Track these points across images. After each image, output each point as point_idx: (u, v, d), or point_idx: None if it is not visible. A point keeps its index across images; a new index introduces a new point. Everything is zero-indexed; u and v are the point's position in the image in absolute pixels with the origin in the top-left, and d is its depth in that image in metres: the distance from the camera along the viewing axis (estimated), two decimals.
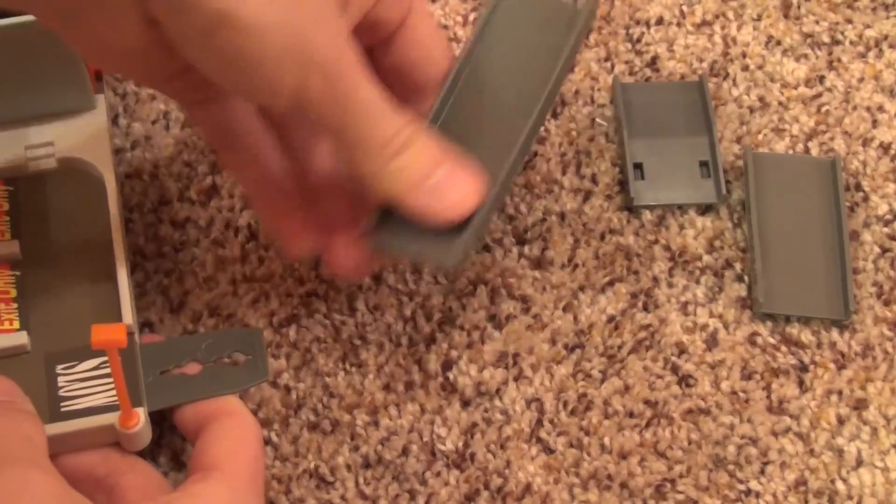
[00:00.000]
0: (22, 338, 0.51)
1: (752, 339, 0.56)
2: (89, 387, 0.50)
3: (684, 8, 0.63)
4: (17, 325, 0.52)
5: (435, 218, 0.49)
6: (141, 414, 0.49)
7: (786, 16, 0.63)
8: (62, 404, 0.49)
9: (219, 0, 0.43)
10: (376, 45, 0.52)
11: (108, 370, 0.48)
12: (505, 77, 0.52)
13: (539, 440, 0.54)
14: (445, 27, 0.63)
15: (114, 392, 0.49)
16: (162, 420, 0.52)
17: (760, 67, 0.62)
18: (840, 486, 0.53)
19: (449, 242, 0.49)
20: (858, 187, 0.59)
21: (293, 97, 0.46)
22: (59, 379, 0.50)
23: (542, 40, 0.52)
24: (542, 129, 0.60)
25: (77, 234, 0.54)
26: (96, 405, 0.49)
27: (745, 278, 0.57)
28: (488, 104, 0.52)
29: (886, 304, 0.57)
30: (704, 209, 0.59)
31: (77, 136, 0.55)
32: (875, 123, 0.61)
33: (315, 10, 0.45)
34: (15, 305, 0.52)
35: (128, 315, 0.51)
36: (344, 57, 0.46)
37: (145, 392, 0.50)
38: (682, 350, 0.56)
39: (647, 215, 0.59)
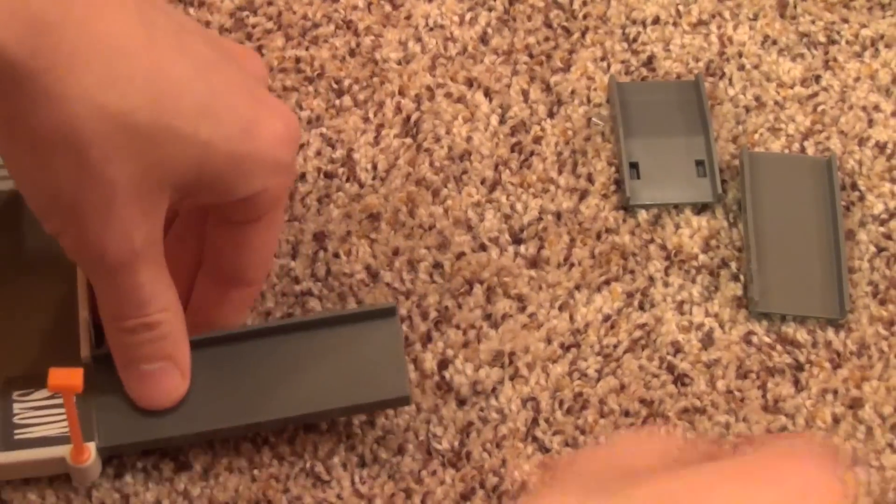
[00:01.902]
0: None
1: (747, 339, 0.56)
2: (44, 416, 0.50)
3: (680, 7, 0.64)
4: None
5: (134, 400, 0.50)
6: (92, 449, 0.49)
7: (782, 15, 0.63)
8: (16, 432, 0.49)
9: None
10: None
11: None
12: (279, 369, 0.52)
13: (535, 439, 0.54)
14: (442, 27, 0.63)
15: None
16: None
17: (756, 67, 0.62)
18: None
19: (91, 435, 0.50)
20: (854, 187, 0.59)
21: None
22: (15, 406, 0.50)
23: (353, 377, 0.51)
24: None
25: (40, 256, 0.53)
26: (50, 435, 0.49)
27: (741, 277, 0.57)
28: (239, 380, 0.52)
29: (882, 303, 0.57)
30: (700, 208, 0.59)
31: None
32: (871, 123, 0.61)
33: (106, 201, 0.45)
34: None
35: (86, 348, 0.51)
36: (103, 253, 0.46)
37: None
38: (677, 349, 0.56)
39: (643, 214, 0.59)
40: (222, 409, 0.51)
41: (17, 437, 0.49)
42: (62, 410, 0.49)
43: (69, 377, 0.44)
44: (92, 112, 0.44)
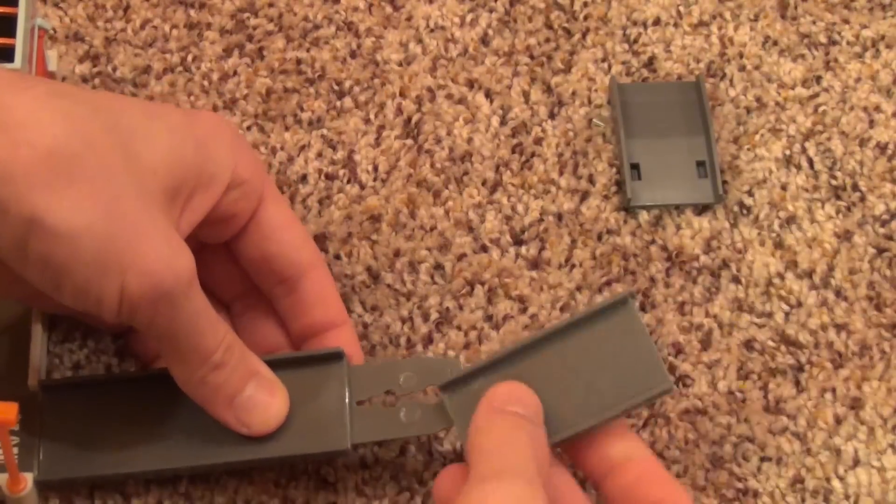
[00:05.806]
0: None
1: (748, 340, 0.56)
2: None
3: (681, 8, 0.64)
4: None
5: (247, 431, 0.50)
6: (29, 479, 0.49)
7: (783, 16, 0.64)
8: None
9: (26, 205, 0.43)
10: (233, 238, 0.52)
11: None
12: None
13: None
14: (442, 28, 0.63)
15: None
16: None
17: (757, 68, 0.62)
18: (837, 485, 0.53)
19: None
20: (855, 187, 0.59)
21: (118, 305, 0.45)
22: None
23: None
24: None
25: None
26: None
27: (742, 279, 0.57)
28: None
29: (883, 304, 0.57)
30: (701, 209, 0.59)
31: None
32: (872, 123, 0.61)
33: (136, 215, 0.45)
34: None
35: (34, 376, 0.51)
36: (171, 264, 0.45)
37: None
38: (678, 350, 0.56)
39: (644, 216, 0.59)
40: (164, 450, 0.50)
41: None
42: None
43: (2, 411, 0.44)
44: (63, 128, 0.44)
